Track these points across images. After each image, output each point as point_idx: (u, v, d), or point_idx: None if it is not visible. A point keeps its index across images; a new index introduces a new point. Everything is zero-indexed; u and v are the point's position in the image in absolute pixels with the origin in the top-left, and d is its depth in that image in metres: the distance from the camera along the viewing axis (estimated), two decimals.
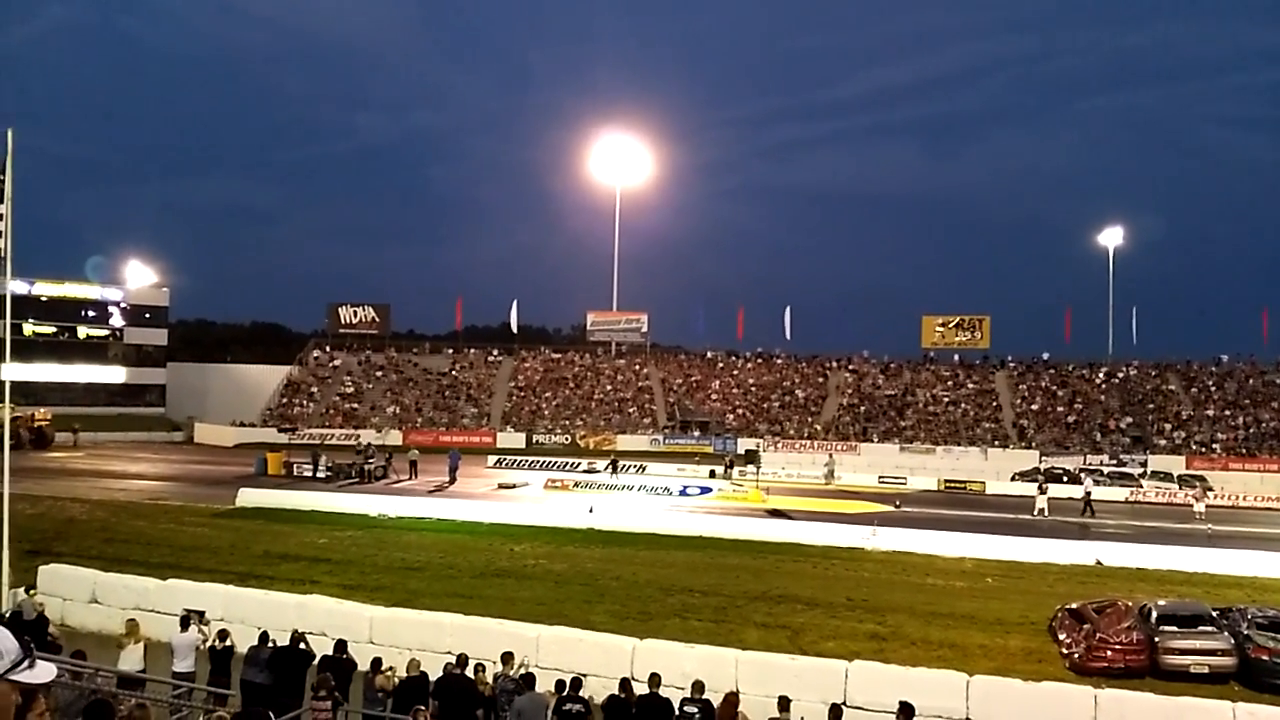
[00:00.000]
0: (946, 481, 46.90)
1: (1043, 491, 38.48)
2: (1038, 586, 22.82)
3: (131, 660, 13.33)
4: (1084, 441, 59.38)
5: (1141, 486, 45.47)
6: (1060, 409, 63.92)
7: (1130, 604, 17.86)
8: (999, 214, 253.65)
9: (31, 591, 16.03)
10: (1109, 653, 15.83)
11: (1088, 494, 39.42)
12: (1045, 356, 70.05)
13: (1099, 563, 25.43)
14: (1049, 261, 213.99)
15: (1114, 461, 53.80)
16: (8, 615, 14.43)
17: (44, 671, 2.27)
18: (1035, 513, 36.93)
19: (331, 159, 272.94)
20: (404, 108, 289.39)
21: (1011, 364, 69.71)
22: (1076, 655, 16.22)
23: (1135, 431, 60.33)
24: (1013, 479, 46.65)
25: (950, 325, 69.70)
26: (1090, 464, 52.06)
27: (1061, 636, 17.33)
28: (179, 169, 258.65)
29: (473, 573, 23.07)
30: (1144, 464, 53.12)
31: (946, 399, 66.23)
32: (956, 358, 70.40)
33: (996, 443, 60.08)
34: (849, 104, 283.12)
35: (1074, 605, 18.17)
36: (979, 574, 24.33)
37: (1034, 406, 64.66)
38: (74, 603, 17.69)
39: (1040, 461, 52.84)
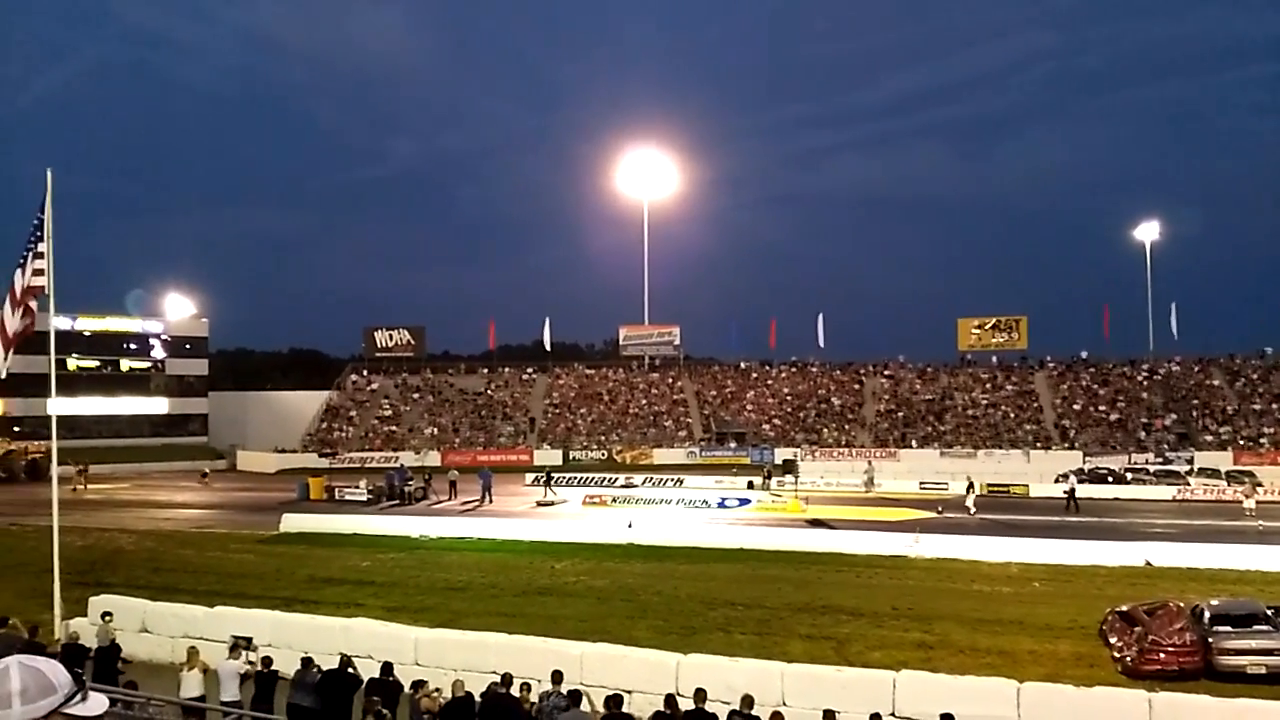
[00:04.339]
0: (989, 485, 46.28)
1: (971, 489, 38.21)
2: (1086, 590, 22.43)
3: (191, 686, 13.50)
4: (1128, 440, 58.46)
5: (1189, 484, 44.63)
6: (1102, 408, 63.01)
7: (1182, 605, 17.50)
8: (1032, 213, 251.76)
9: (107, 618, 16.36)
10: (1162, 655, 15.51)
11: (1071, 490, 39.82)
12: (1085, 355, 69.23)
13: (1148, 564, 24.97)
14: (1085, 259, 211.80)
15: (1160, 459, 52.91)
16: (61, 645, 14.63)
17: (96, 704, 2.29)
18: (972, 511, 36.54)
19: (363, 185, 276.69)
20: (433, 132, 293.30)
21: (1051, 364, 68.89)
22: (1128, 659, 15.91)
23: (1180, 428, 59.33)
24: (1056, 481, 45.99)
25: (987, 327, 69.00)
26: (1135, 463, 51.27)
27: (1112, 640, 17.01)
28: (214, 201, 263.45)
29: (515, 591, 23.12)
30: (1190, 461, 52.17)
31: (986, 401, 65.51)
32: (994, 359, 69.69)
33: (1038, 444, 59.36)
34: (875, 108, 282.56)
35: (1124, 608, 17.83)
36: (1025, 578, 23.98)
37: (1075, 406, 63.79)
38: (124, 632, 17.86)
39: (1084, 462, 52.07)
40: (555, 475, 46.67)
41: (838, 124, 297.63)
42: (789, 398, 69.18)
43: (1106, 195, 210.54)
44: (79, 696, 2.20)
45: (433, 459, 60.10)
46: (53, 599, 18.96)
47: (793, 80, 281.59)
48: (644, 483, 47.18)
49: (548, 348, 78.00)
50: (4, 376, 16.74)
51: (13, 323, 16.34)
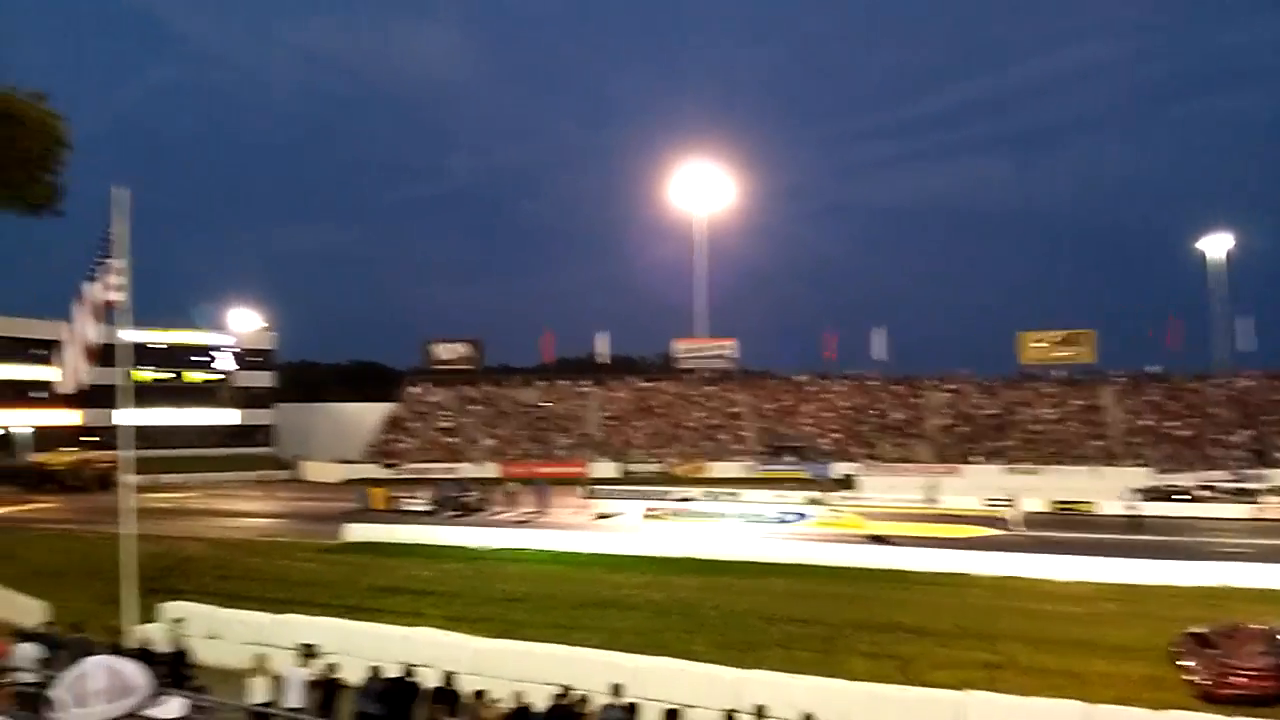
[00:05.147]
0: (1055, 502, 45.26)
1: (1014, 505, 38.08)
2: (1158, 610, 21.80)
3: (258, 692, 13.78)
4: (1199, 457, 56.77)
5: (1264, 503, 43.14)
6: (1172, 424, 61.29)
7: (1258, 627, 16.92)
8: (1097, 225, 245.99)
9: (178, 624, 16.84)
10: (1240, 679, 15.01)
11: (1132, 508, 39.78)
12: (1153, 370, 67.37)
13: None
14: (1153, 272, 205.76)
15: (1233, 477, 51.22)
16: (133, 651, 15.02)
17: (173, 707, 2.36)
18: (1013, 528, 36.16)
19: (422, 201, 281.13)
20: (490, 147, 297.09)
21: (1118, 378, 67.21)
22: (1204, 682, 15.42)
23: (1254, 445, 57.42)
24: (1121, 498, 44.75)
25: (1051, 341, 67.60)
26: (1207, 480, 49.72)
27: (1185, 663, 16.50)
28: (279, 217, 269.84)
29: (573, 603, 23.18)
30: (1265, 479, 50.42)
31: (1051, 417, 64.16)
32: (1059, 374, 68.21)
33: (1105, 461, 57.90)
34: (935, 119, 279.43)
35: (1198, 629, 17.30)
36: (1094, 598, 23.42)
37: (1144, 422, 62.15)
38: (194, 638, 18.30)
39: (1153, 479, 50.65)
40: (597, 489, 47.50)
41: (896, 135, 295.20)
42: (847, 411, 68.48)
43: (1174, 207, 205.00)
44: (157, 699, 2.26)
45: (491, 470, 60.63)
46: (125, 605, 19.47)
47: (851, 92, 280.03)
48: (701, 496, 46.96)
49: (603, 361, 78.21)
50: (86, 388, 17.23)
51: (93, 335, 16.84)
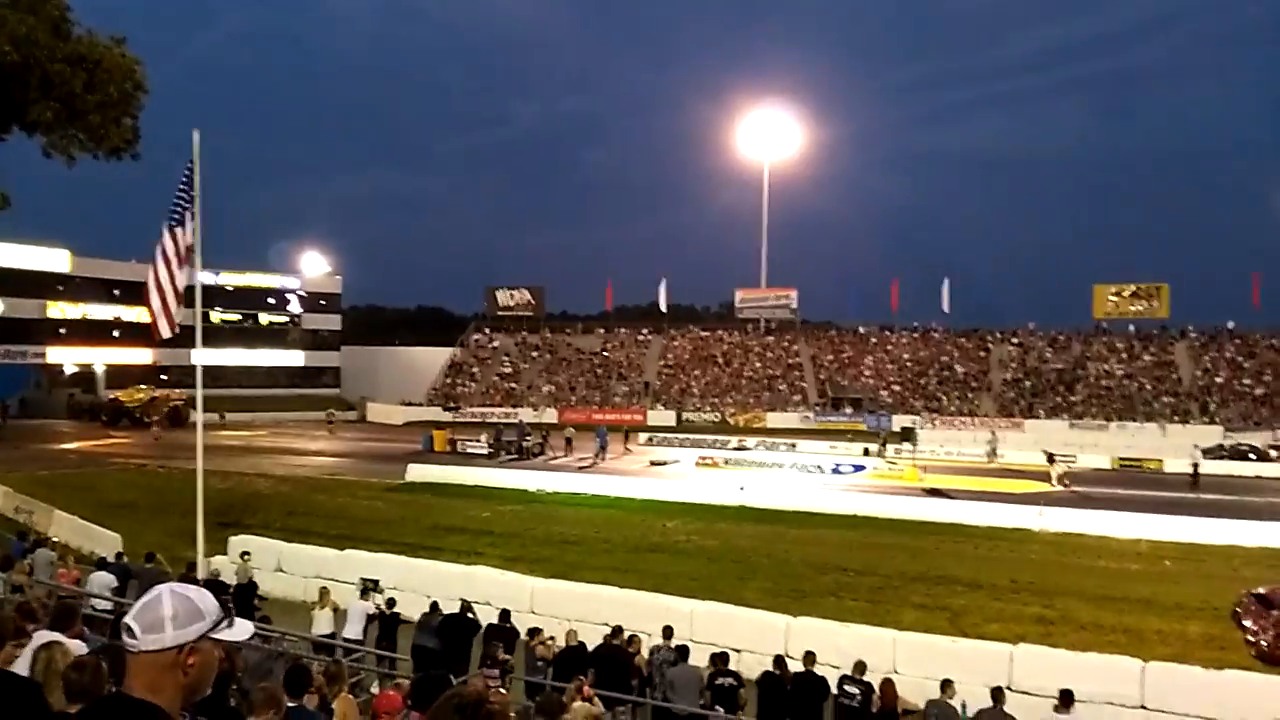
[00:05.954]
0: (1121, 459, 44.40)
1: (1053, 462, 37.43)
2: (1221, 570, 21.42)
3: (322, 624, 14.32)
4: (1274, 416, 55.04)
5: None
6: (1247, 381, 59.41)
7: None
8: (1177, 175, 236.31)
9: (245, 557, 17.47)
10: None
11: (1195, 465, 38.65)
12: (1231, 326, 65.19)
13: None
14: (1234, 224, 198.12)
15: None
16: (203, 582, 15.64)
17: (242, 630, 2.48)
18: (1058, 484, 35.52)
19: (488, 147, 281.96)
20: (556, 94, 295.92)
21: (1193, 334, 65.23)
22: (1264, 643, 15.14)
23: None
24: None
25: (1125, 294, 65.62)
26: None
27: (1247, 623, 16.20)
28: (347, 162, 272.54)
29: (627, 547, 23.50)
30: None
31: (1121, 372, 62.63)
32: (1132, 328, 66.41)
33: (1176, 418, 56.47)
34: (1011, 64, 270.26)
35: (1261, 590, 16.95)
36: (1156, 556, 23.02)
37: (1218, 379, 60.35)
38: (261, 571, 19.00)
39: (1224, 437, 49.35)
40: (653, 436, 49.58)
41: (970, 81, 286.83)
42: (909, 364, 67.64)
43: (1258, 157, 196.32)
44: (225, 623, 2.38)
45: (550, 416, 61.31)
46: (196, 538, 20.21)
47: (922, 36, 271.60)
48: (757, 446, 47.02)
49: (664, 309, 78.14)
50: (178, 332, 17.33)
51: (181, 279, 17.11)
